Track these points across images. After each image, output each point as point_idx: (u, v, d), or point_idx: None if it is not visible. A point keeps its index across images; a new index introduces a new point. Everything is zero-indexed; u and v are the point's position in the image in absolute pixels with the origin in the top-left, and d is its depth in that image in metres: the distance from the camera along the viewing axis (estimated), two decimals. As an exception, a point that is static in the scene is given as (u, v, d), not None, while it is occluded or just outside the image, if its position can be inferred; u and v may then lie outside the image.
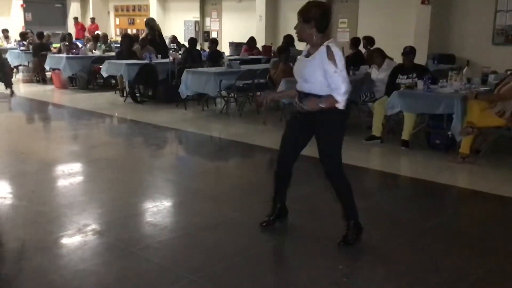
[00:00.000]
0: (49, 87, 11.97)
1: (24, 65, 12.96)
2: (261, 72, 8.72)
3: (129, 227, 3.91)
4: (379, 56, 7.39)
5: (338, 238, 3.59)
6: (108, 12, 20.87)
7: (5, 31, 15.76)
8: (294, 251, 3.77)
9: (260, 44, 13.04)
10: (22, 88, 11.97)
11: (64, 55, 11.43)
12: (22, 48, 13.35)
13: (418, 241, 3.78)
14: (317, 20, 3.40)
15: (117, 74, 10.18)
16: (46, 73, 12.56)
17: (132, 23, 20.01)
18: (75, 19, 19.12)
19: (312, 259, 3.45)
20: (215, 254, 3.47)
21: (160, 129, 7.65)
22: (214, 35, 16.97)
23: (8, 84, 10.64)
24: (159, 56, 10.38)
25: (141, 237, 3.78)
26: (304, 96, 3.51)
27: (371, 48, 8.59)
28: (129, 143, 7.16)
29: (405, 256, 3.52)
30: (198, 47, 11.83)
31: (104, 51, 12.57)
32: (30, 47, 12.97)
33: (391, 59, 7.67)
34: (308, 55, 3.52)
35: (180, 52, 11.48)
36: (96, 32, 15.83)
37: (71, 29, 18.79)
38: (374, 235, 3.77)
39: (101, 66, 10.53)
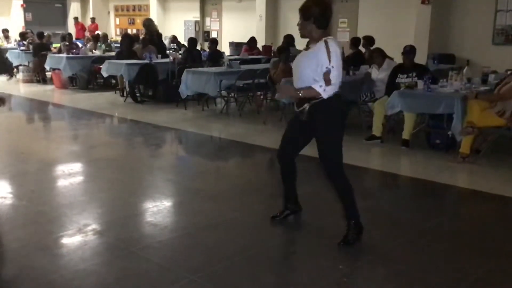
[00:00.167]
0: (49, 87, 11.96)
1: (24, 65, 12.95)
2: (261, 72, 8.71)
3: (129, 227, 3.91)
4: (379, 56, 7.38)
5: (339, 238, 3.59)
6: (108, 12, 20.88)
7: (5, 31, 15.77)
8: (294, 251, 3.77)
9: (260, 44, 13.04)
10: (22, 88, 11.98)
11: (64, 55, 11.42)
12: (22, 48, 13.34)
13: (418, 241, 3.77)
14: (316, 17, 3.45)
15: (117, 74, 10.17)
16: (46, 73, 12.56)
17: (132, 23, 20.02)
18: (75, 19, 19.14)
19: (312, 259, 3.45)
20: (215, 254, 3.47)
21: (160, 129, 7.65)
22: (214, 35, 16.98)
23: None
24: (159, 56, 10.39)
25: (141, 237, 3.77)
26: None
27: (371, 48, 8.58)
28: (129, 143, 7.15)
29: (405, 256, 3.52)
30: (198, 47, 11.82)
31: (104, 51, 12.57)
32: (30, 47, 12.96)
33: (391, 59, 7.67)
34: (307, 49, 3.58)
35: (180, 52, 11.48)
36: (96, 32, 15.85)
37: (71, 29, 18.81)
38: (374, 235, 3.77)
39: (101, 66, 10.52)
